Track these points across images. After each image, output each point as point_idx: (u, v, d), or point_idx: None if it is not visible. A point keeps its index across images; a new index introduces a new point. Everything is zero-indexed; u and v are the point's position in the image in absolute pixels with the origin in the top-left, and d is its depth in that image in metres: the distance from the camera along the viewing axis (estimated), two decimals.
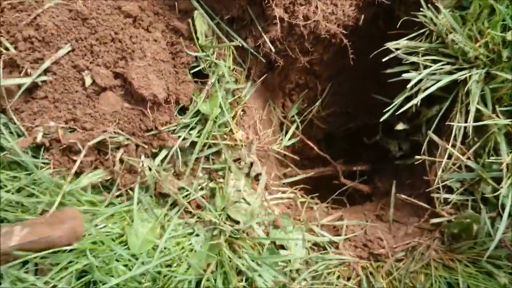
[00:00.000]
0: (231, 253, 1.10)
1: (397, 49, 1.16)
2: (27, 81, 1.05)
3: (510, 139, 1.13)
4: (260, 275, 1.11)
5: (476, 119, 1.17)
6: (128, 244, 1.10)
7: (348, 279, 1.18)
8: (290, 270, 1.14)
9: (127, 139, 1.12)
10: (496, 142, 1.15)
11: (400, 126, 1.32)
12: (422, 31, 1.18)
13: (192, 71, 1.17)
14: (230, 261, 1.09)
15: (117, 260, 1.07)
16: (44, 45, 1.07)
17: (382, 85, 1.34)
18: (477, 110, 1.16)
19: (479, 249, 1.13)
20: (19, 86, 1.06)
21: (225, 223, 1.14)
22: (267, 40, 1.11)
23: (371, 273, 1.18)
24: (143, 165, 1.15)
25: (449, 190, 1.21)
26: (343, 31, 1.16)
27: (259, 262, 1.11)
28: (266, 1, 1.03)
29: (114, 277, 1.03)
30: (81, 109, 1.10)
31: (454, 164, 1.18)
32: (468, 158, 1.18)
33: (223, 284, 1.08)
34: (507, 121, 1.10)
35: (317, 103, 1.49)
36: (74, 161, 1.11)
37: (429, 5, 1.17)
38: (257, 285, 1.10)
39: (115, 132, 1.11)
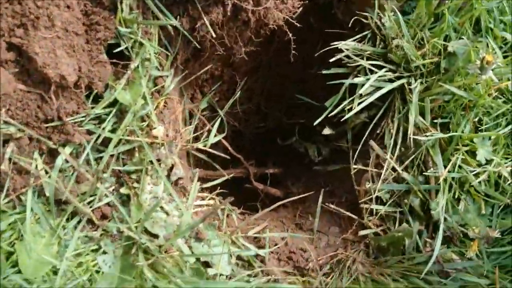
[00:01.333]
0: (153, 276, 0.99)
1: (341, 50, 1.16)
2: None
3: (443, 153, 1.22)
4: None
5: (405, 130, 1.25)
6: (20, 265, 0.92)
7: None
8: None
9: (20, 130, 0.94)
10: (426, 155, 1.24)
11: (326, 131, 1.33)
12: (365, 33, 1.21)
13: (109, 51, 1.02)
14: (154, 287, 0.99)
15: None
16: None
17: (302, 85, 1.35)
18: (407, 121, 1.24)
19: (407, 263, 1.20)
20: None
21: (141, 238, 1.03)
22: (208, 23, 1.02)
23: None
24: (36, 166, 0.97)
25: (377, 200, 1.28)
26: (293, 23, 1.12)
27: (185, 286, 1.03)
28: None
29: None
30: None
31: (383, 175, 1.25)
32: (393, 171, 1.26)
33: None
34: (443, 135, 1.18)
35: (234, 97, 1.43)
36: None
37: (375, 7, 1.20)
38: None
39: (4, 121, 0.92)
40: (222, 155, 1.27)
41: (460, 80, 1.17)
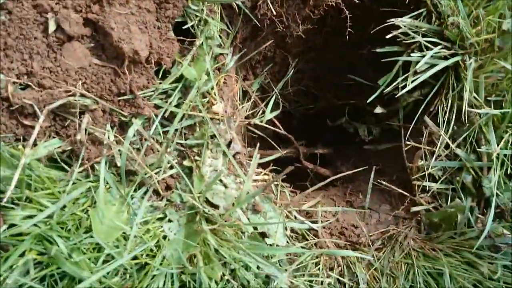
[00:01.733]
0: (216, 242, 1.04)
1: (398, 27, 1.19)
2: None
3: (495, 130, 1.24)
4: (246, 267, 1.08)
5: (459, 108, 1.26)
6: (93, 231, 0.98)
7: (331, 269, 1.20)
8: (275, 262, 1.12)
9: (95, 102, 0.99)
10: (479, 132, 1.26)
11: (378, 110, 1.36)
12: (420, 11, 1.23)
13: (175, 28, 1.07)
14: (216, 251, 1.04)
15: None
16: None
17: (353, 67, 1.37)
18: (461, 99, 1.25)
19: (459, 239, 1.22)
20: None
21: (204, 207, 1.08)
22: (269, 1, 1.06)
23: (352, 263, 1.22)
24: (109, 136, 1.03)
25: (429, 177, 1.30)
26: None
27: (242, 252, 1.08)
28: None
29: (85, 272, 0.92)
30: (39, 61, 0.92)
31: (437, 152, 1.27)
32: (449, 149, 1.27)
33: (208, 278, 1.02)
34: (497, 111, 1.20)
35: (286, 78, 1.47)
36: (24, 126, 0.94)
37: None
38: (243, 277, 1.06)
39: (80, 94, 0.97)
40: (278, 130, 1.31)
41: None
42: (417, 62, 1.17)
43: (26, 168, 0.89)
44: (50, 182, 0.94)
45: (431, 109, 1.26)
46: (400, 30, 1.16)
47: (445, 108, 1.24)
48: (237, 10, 1.10)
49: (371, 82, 1.29)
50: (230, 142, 1.17)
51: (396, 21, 1.15)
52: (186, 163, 1.11)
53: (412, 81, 1.18)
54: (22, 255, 0.89)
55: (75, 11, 0.93)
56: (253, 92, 1.43)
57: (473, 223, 1.20)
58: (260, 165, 1.33)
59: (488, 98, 1.22)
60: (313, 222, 1.23)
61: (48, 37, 0.92)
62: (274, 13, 1.09)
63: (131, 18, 0.95)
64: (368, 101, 1.22)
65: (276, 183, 1.28)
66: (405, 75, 1.20)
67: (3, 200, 0.86)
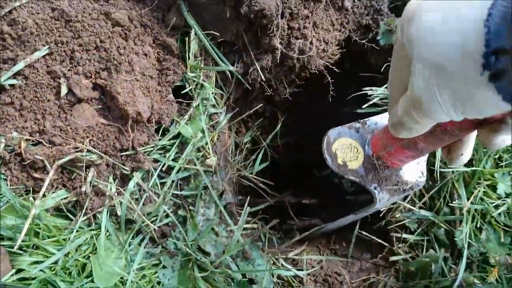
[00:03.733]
0: None
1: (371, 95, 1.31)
2: None
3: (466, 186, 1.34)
4: None
5: (432, 164, 1.37)
6: (94, 276, 1.05)
7: None
8: None
9: (100, 157, 1.09)
10: (451, 188, 1.36)
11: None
12: None
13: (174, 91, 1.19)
14: None
15: None
16: (19, 44, 0.98)
17: (337, 122, 1.48)
18: (434, 157, 1.36)
19: (434, 287, 1.31)
20: None
21: (197, 255, 1.16)
22: (258, 68, 1.18)
23: None
24: (111, 188, 1.12)
25: (405, 229, 1.39)
26: (332, 68, 1.27)
27: None
28: (270, 31, 1.10)
29: None
30: (51, 121, 1.03)
31: (413, 206, 1.36)
32: (424, 203, 1.37)
33: None
34: (467, 169, 1.30)
35: (273, 132, 1.58)
36: (34, 179, 1.04)
37: None
38: None
39: (87, 150, 1.07)
40: (267, 181, 1.40)
41: None
42: None
43: (35, 218, 0.98)
44: (56, 230, 1.02)
45: None
46: (373, 100, 1.27)
47: None
48: (229, 76, 1.21)
49: None
50: (222, 193, 1.26)
51: (369, 91, 1.26)
52: (180, 212, 1.20)
53: None
54: None
55: (85, 77, 1.04)
56: (244, 144, 1.53)
57: (447, 272, 1.28)
58: (249, 214, 1.42)
59: None
60: (298, 269, 1.30)
61: (60, 100, 1.03)
62: (264, 78, 1.20)
63: (136, 83, 1.06)
64: None
65: (264, 231, 1.36)
66: None
67: (14, 247, 0.95)
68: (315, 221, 1.58)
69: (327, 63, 1.24)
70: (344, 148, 1.14)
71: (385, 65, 1.34)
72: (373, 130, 1.15)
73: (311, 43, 1.16)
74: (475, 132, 0.85)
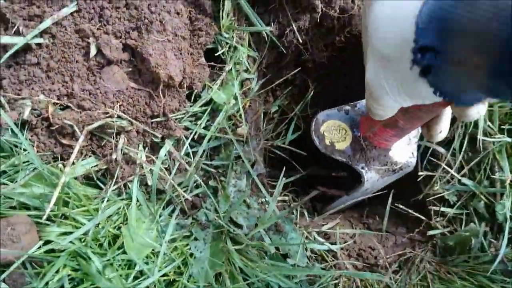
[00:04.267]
0: (241, 262, 1.07)
1: None
2: (18, 41, 0.90)
3: (508, 157, 1.27)
4: (268, 285, 1.10)
5: (473, 136, 1.30)
6: (125, 247, 1.01)
7: None
8: (296, 282, 1.15)
9: (131, 124, 1.03)
10: (492, 160, 1.29)
11: None
12: None
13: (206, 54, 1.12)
14: (241, 271, 1.07)
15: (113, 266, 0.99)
16: (46, 0, 0.93)
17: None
18: (476, 127, 1.29)
19: (473, 262, 1.25)
20: (6, 46, 0.91)
21: (229, 227, 1.11)
22: (295, 30, 1.10)
23: (370, 285, 1.24)
24: (141, 156, 1.06)
25: (443, 202, 1.33)
26: None
27: (266, 272, 1.10)
28: None
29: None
30: (80, 84, 0.97)
31: (452, 178, 1.30)
32: (464, 175, 1.31)
33: None
34: (510, 139, 1.24)
35: (303, 101, 1.51)
36: (63, 145, 0.98)
37: None
38: None
39: (118, 116, 1.01)
40: (301, 152, 1.34)
41: None
42: None
43: (64, 186, 0.92)
44: (86, 200, 0.97)
45: (448, 136, 1.30)
46: None
47: (460, 135, 1.28)
48: (265, 37, 1.14)
49: None
50: (253, 164, 1.20)
51: None
52: (211, 183, 1.14)
53: None
54: (57, 271, 0.91)
55: (115, 37, 0.97)
56: (272, 113, 1.47)
57: (487, 247, 1.23)
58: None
59: (502, 127, 1.26)
60: (331, 243, 1.25)
61: (89, 61, 0.96)
62: (300, 41, 1.13)
63: (168, 45, 0.99)
64: None
65: (297, 204, 1.31)
66: None
67: (42, 217, 0.89)
68: (339, 192, 1.52)
69: None
70: (332, 130, 1.17)
71: None
72: (362, 112, 1.18)
73: (352, 1, 1.08)
74: (449, 107, 0.88)
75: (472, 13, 0.49)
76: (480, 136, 1.23)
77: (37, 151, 0.95)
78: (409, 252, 1.29)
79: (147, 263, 1.02)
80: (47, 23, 0.91)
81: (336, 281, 1.19)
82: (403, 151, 1.22)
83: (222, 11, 1.05)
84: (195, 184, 1.14)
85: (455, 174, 1.27)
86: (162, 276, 1.02)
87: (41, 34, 0.92)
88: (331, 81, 1.58)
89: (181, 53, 1.02)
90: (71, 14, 0.94)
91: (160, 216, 1.07)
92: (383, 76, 0.69)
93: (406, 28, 0.59)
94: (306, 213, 1.33)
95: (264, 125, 1.36)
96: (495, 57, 0.49)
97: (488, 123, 1.24)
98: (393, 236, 1.37)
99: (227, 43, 1.09)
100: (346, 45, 1.24)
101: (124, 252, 1.00)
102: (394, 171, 1.22)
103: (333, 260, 1.23)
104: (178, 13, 1.01)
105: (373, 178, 1.22)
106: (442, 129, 0.94)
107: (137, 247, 1.01)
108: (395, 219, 1.40)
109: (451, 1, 0.52)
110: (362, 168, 1.19)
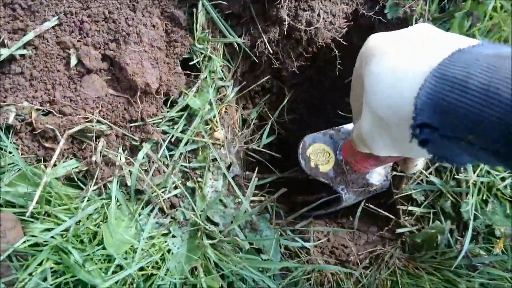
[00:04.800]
0: (215, 256, 1.13)
1: None
2: (3, 52, 0.97)
3: None
4: (242, 279, 1.16)
5: None
6: (105, 243, 1.07)
7: (321, 285, 1.28)
8: (270, 276, 1.21)
9: (110, 128, 1.10)
10: None
11: None
12: None
13: (182, 64, 1.19)
14: (216, 265, 1.13)
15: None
16: (29, 15, 0.99)
17: (342, 97, 1.47)
18: None
19: (439, 258, 1.31)
20: None
21: (205, 224, 1.17)
22: (266, 41, 1.18)
23: (341, 280, 1.30)
24: (121, 158, 1.13)
25: (411, 202, 1.40)
26: (340, 41, 1.27)
27: (239, 266, 1.16)
28: (277, 2, 1.09)
29: (97, 280, 1.01)
30: (61, 91, 1.04)
31: (419, 177, 1.37)
32: (431, 173, 1.37)
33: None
34: None
35: (280, 108, 1.58)
36: (45, 148, 1.05)
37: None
38: None
39: (97, 120, 1.08)
40: (274, 154, 1.41)
41: None
42: None
43: (46, 186, 0.99)
44: (67, 199, 1.03)
45: None
46: None
47: None
48: (237, 48, 1.21)
49: None
50: (229, 166, 1.27)
51: None
52: (189, 184, 1.21)
53: None
54: (40, 264, 0.98)
55: (94, 48, 1.05)
56: (251, 119, 1.53)
57: (453, 244, 1.29)
58: (257, 187, 1.43)
59: None
60: (305, 241, 1.32)
61: (70, 70, 1.04)
62: (271, 51, 1.20)
63: (144, 55, 1.06)
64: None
65: (271, 203, 1.37)
66: None
67: (26, 214, 0.96)
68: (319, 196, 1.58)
69: (335, 36, 1.23)
70: (317, 153, 1.23)
71: None
72: (345, 137, 1.23)
73: (318, 15, 1.15)
74: None
75: (466, 98, 0.53)
76: None
77: (21, 154, 1.02)
78: (380, 249, 1.35)
79: (126, 258, 1.08)
80: (30, 36, 0.98)
81: (309, 276, 1.25)
82: (379, 175, 1.30)
83: (196, 24, 1.13)
84: (174, 185, 1.20)
85: (423, 171, 1.33)
86: (140, 270, 1.08)
87: (25, 46, 0.99)
88: (306, 88, 1.65)
89: (157, 63, 1.09)
90: (53, 27, 1.01)
91: (139, 215, 1.14)
92: (378, 133, 0.70)
93: (405, 105, 0.61)
94: (282, 213, 1.39)
95: (243, 130, 1.44)
96: (488, 139, 0.52)
97: None
98: (365, 234, 1.43)
99: (201, 53, 1.16)
100: (316, 55, 1.32)
101: (104, 248, 1.06)
102: (370, 192, 1.30)
103: (306, 256, 1.29)
104: (154, 26, 1.09)
105: (350, 199, 1.30)
106: (418, 163, 0.98)
107: (116, 243, 1.08)
108: (367, 219, 1.46)
109: (447, 86, 0.55)
110: (342, 189, 1.26)
